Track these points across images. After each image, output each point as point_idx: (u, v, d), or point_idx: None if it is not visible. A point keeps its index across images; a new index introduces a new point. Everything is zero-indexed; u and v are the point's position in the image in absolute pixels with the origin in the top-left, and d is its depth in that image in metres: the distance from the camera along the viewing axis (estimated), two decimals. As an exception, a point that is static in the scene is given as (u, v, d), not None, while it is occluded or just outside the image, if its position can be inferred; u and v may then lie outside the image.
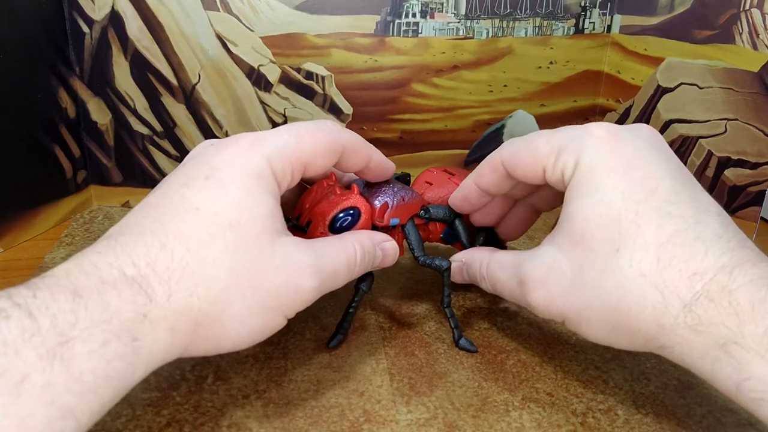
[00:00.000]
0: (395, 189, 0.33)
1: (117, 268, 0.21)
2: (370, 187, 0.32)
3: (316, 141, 0.27)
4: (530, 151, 0.28)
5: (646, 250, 0.24)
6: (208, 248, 0.23)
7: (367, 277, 0.32)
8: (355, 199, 0.30)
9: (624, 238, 0.24)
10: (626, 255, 0.24)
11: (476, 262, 0.32)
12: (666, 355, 0.24)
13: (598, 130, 0.27)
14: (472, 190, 0.32)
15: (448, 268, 0.32)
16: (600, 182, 0.25)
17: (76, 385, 0.18)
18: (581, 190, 0.26)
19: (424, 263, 0.33)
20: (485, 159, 0.31)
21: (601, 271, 0.24)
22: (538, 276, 0.27)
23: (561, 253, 0.26)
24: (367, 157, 0.30)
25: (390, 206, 0.32)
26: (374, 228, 0.32)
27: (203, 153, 0.27)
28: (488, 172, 0.31)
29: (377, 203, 0.32)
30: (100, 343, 0.19)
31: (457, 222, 0.35)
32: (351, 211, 0.30)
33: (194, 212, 0.24)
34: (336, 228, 0.30)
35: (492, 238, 0.36)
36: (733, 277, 0.22)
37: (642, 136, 0.27)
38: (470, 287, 0.40)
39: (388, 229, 0.33)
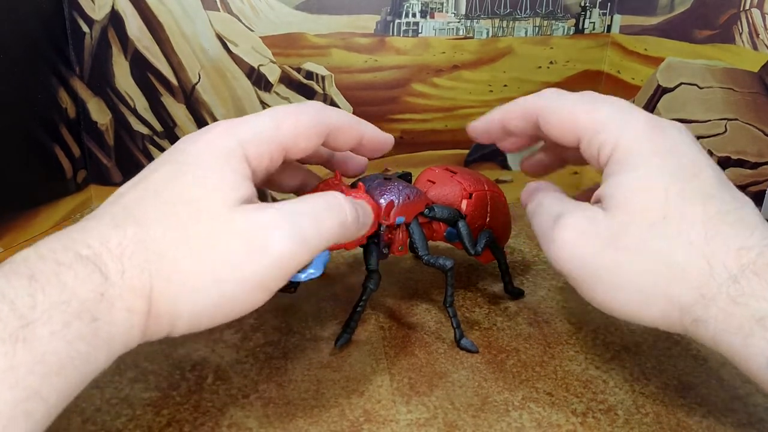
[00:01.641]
0: (400, 187, 0.33)
1: (72, 250, 0.21)
2: (375, 186, 0.33)
3: (297, 123, 0.27)
4: (570, 117, 0.28)
5: (693, 223, 0.24)
6: (160, 224, 0.23)
7: (374, 275, 0.32)
8: (361, 198, 0.30)
9: (671, 208, 0.24)
10: (674, 223, 0.24)
11: (541, 188, 0.31)
12: (698, 332, 0.24)
13: (641, 116, 0.27)
14: (495, 126, 0.32)
15: (452, 268, 0.32)
16: (644, 161, 0.26)
17: (39, 366, 0.18)
18: (624, 167, 0.26)
19: (428, 262, 0.33)
20: (517, 101, 0.31)
21: (646, 236, 0.24)
22: (577, 219, 0.26)
23: (604, 212, 0.26)
24: (358, 134, 0.30)
25: (396, 204, 0.32)
26: (380, 227, 0.32)
27: (182, 141, 0.27)
28: (520, 115, 0.30)
29: (383, 201, 0.32)
30: (61, 324, 0.19)
31: (460, 223, 0.35)
32: None
33: (153, 194, 0.24)
34: None
35: (491, 239, 0.36)
36: None
37: (682, 129, 0.27)
38: (470, 287, 0.40)
39: (393, 228, 0.33)
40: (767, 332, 0.21)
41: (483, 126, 0.33)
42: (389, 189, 0.32)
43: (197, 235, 0.23)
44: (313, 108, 0.28)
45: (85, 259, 0.21)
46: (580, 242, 0.26)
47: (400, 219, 0.32)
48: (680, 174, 0.25)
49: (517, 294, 0.39)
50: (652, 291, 0.24)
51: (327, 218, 0.26)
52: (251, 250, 0.23)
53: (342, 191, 0.30)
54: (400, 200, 0.32)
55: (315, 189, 0.32)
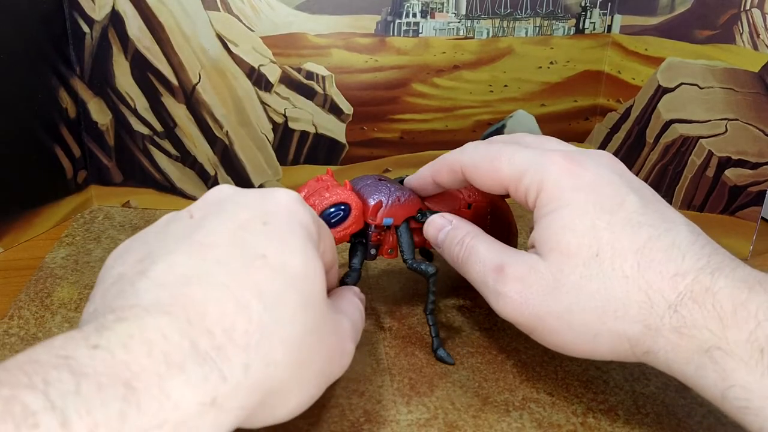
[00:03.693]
0: (392, 189, 0.32)
1: (189, 340, 0.17)
2: (367, 185, 0.33)
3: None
4: (492, 168, 0.29)
5: (625, 255, 0.24)
6: (284, 305, 0.20)
7: (353, 273, 0.32)
8: (345, 195, 0.30)
9: (601, 243, 0.24)
10: (606, 259, 0.24)
11: (463, 229, 0.31)
12: (652, 362, 0.24)
13: (556, 157, 0.27)
14: (427, 183, 0.33)
15: (434, 274, 0.32)
16: (569, 199, 0.26)
17: None
18: (551, 207, 0.26)
19: (411, 267, 0.32)
20: (443, 158, 0.32)
21: (583, 276, 0.25)
22: (519, 270, 0.26)
23: (540, 258, 0.26)
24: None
25: (384, 205, 0.32)
26: (367, 226, 0.32)
27: (237, 194, 0.24)
28: (446, 172, 0.31)
29: (371, 201, 0.32)
30: None
31: None
32: (342, 207, 0.30)
33: (262, 260, 0.21)
34: (327, 224, 0.30)
35: None
36: (715, 279, 0.22)
37: (600, 162, 0.27)
38: (471, 288, 0.40)
39: (381, 229, 0.33)
40: (716, 365, 0.21)
41: (417, 183, 0.34)
42: (380, 189, 0.32)
43: (311, 326, 0.22)
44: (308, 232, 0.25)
45: (203, 356, 0.17)
46: (524, 293, 0.26)
47: (388, 220, 0.32)
48: (605, 206, 0.25)
49: None
50: (598, 329, 0.24)
51: (359, 333, 0.28)
52: (339, 352, 0.24)
53: (328, 189, 0.30)
54: (390, 201, 0.32)
55: (304, 185, 0.32)
